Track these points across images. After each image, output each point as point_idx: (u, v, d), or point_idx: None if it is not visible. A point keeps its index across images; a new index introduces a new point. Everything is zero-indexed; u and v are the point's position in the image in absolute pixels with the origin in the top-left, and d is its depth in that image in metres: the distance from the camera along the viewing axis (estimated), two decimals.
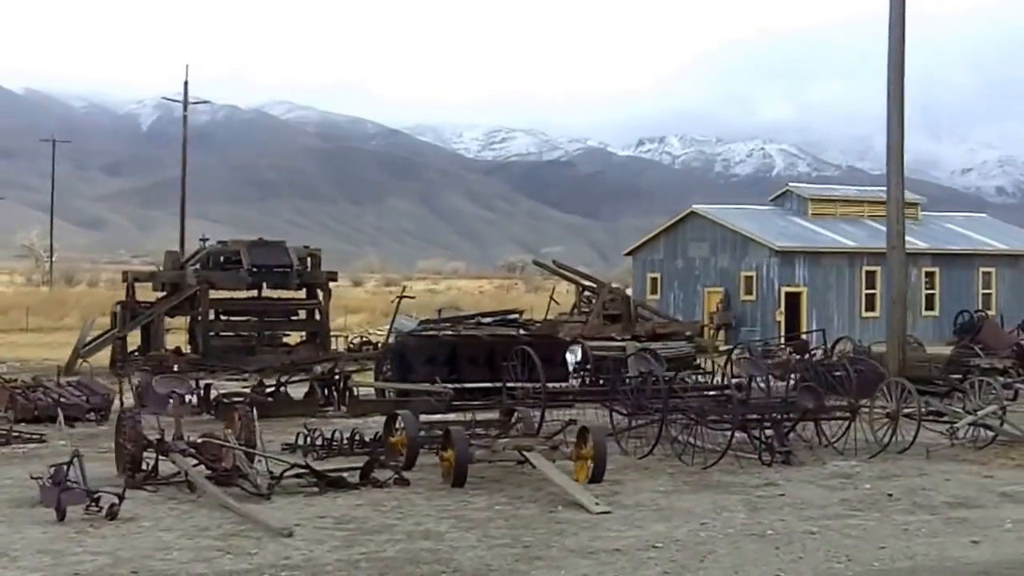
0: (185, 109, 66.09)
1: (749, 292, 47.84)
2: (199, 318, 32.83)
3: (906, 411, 18.08)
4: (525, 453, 14.71)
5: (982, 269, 51.30)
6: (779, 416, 17.21)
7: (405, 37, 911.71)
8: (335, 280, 35.60)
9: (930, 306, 50.01)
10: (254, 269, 32.85)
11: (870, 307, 48.55)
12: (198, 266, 33.21)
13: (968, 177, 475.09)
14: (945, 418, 18.67)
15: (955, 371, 27.39)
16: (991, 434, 18.25)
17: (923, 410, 19.05)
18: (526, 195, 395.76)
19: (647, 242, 53.05)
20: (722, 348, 38.48)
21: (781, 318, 46.63)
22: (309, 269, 34.14)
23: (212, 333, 33.28)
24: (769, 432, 17.09)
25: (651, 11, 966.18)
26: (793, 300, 47.17)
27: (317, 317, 34.50)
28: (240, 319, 34.03)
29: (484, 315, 57.82)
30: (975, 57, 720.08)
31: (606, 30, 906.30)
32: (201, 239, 34.97)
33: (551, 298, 30.38)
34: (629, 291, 47.68)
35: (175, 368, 30.04)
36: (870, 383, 26.97)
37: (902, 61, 23.31)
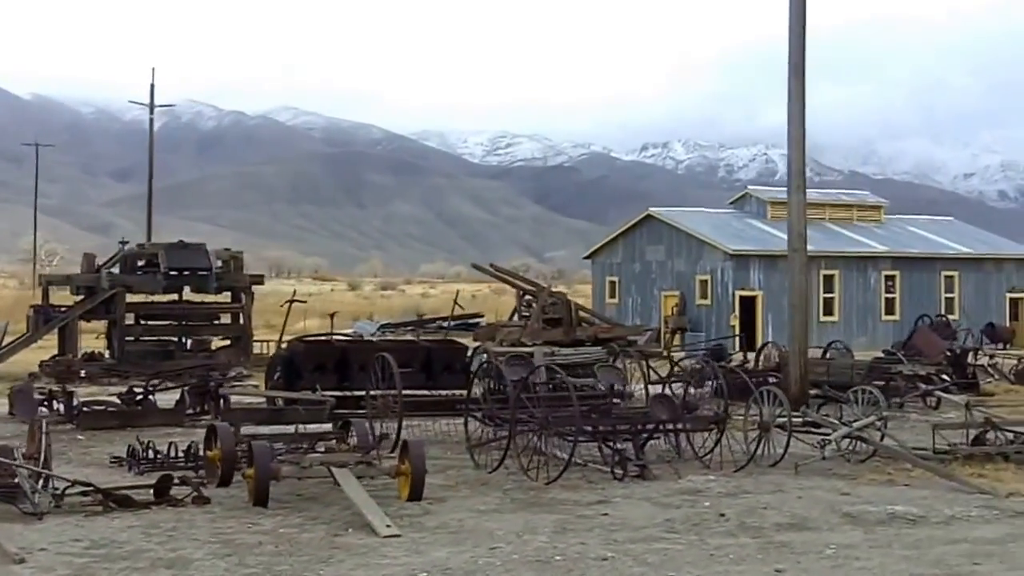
0: (151, 112, 64.60)
1: (704, 296, 46.65)
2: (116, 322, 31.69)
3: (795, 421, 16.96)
4: (333, 469, 13.54)
5: (944, 273, 50.00)
6: (638, 427, 16.06)
7: (411, 43, 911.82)
8: (260, 283, 34.44)
9: (890, 310, 48.75)
10: (171, 272, 31.70)
11: (828, 311, 47.31)
12: (116, 269, 32.07)
13: (970, 182, 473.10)
14: (823, 429, 17.46)
15: (877, 378, 26.21)
16: (871, 447, 17.04)
17: (803, 420, 17.95)
18: (531, 200, 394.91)
19: (605, 245, 51.88)
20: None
21: (736, 322, 45.39)
22: (231, 272, 32.93)
23: (131, 338, 32.13)
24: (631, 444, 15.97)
25: (655, 17, 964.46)
26: (748, 304, 45.93)
27: (242, 321, 33.32)
28: (159, 323, 32.88)
29: (445, 319, 56.92)
30: (978, 61, 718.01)
31: (610, 36, 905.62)
32: (120, 241, 33.86)
33: (455, 302, 29.10)
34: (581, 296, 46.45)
35: (82, 374, 29.05)
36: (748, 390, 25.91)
37: (802, 62, 22.11)
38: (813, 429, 17.48)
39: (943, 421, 18.84)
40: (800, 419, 17.68)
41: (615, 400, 17.85)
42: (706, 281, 46.57)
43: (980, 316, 49.96)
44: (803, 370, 21.88)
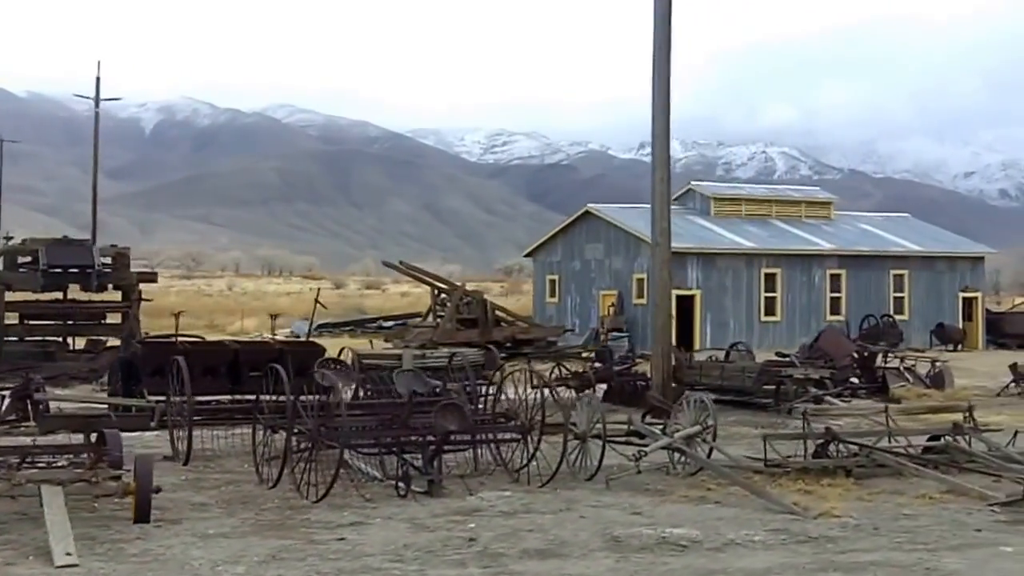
0: (97, 106, 63.11)
1: (641, 295, 45.17)
2: None
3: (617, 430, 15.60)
4: (43, 488, 12.14)
5: (893, 271, 48.49)
6: (424, 439, 14.65)
7: (408, 41, 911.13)
8: (153, 280, 33.05)
9: (836, 310, 47.25)
10: (51, 269, 30.29)
11: (770, 311, 45.86)
12: None
13: (971, 180, 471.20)
14: (646, 440, 16.05)
15: (768, 382, 24.82)
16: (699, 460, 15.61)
17: (629, 429, 16.56)
18: (527, 198, 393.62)
19: (545, 243, 50.46)
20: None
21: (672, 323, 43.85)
22: (117, 270, 31.49)
23: (14, 338, 30.73)
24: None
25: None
26: (686, 304, 44.44)
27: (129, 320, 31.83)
28: (42, 323, 31.46)
29: (387, 318, 55.55)
30: (979, 60, 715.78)
31: (608, 34, 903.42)
32: (4, 237, 32.45)
33: (316, 301, 27.65)
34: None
35: None
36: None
37: (667, 57, 20.62)
38: (636, 439, 16.07)
39: (774, 432, 17.35)
40: (626, 428, 16.30)
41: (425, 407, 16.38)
42: (643, 280, 45.11)
43: (931, 316, 48.56)
44: (667, 374, 20.41)
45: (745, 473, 14.75)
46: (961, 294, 49.74)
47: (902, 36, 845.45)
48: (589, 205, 49.03)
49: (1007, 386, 28.60)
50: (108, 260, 31.56)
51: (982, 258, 51.17)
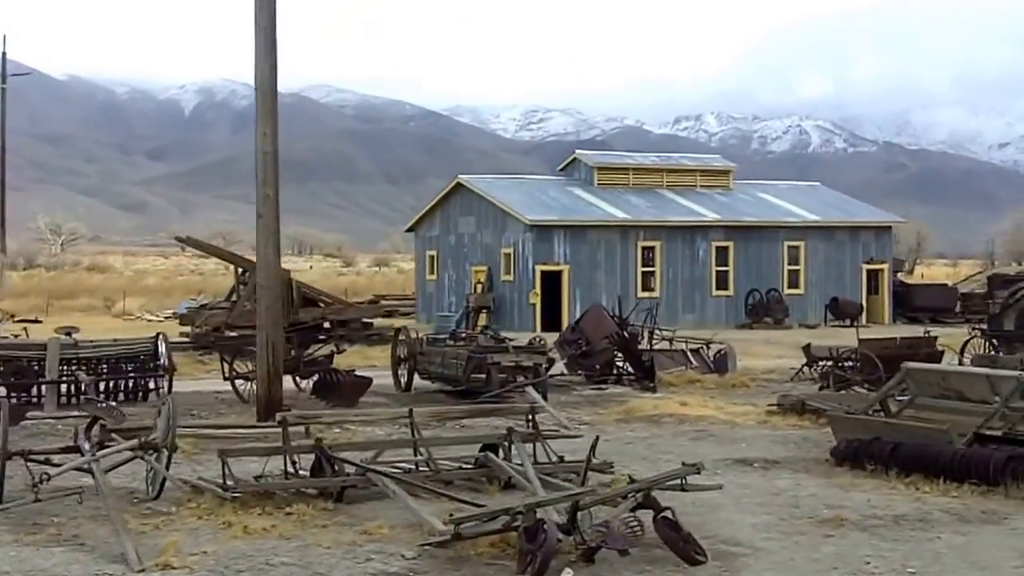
0: (4, 81, 60.13)
1: (508, 271, 41.67)
2: None
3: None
4: None
5: (788, 243, 44.57)
6: None
7: (443, 20, 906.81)
8: None
9: (723, 285, 43.50)
10: None
11: (648, 286, 42.18)
12: None
13: (1005, 151, 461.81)
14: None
15: (476, 369, 21.32)
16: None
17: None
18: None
19: (424, 217, 46.96)
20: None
21: (536, 300, 40.41)
22: None
23: None
24: None
25: None
26: (553, 279, 40.86)
27: None
28: None
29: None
30: (1013, 32, 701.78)
31: (643, 9, 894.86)
32: None
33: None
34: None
35: None
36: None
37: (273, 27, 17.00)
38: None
39: (234, 447, 13.68)
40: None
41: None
42: (509, 254, 41.59)
43: (831, 290, 44.72)
44: (272, 368, 16.92)
45: (121, 505, 11.31)
46: (865, 266, 45.76)
47: (936, 7, 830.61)
48: (461, 176, 45.48)
49: (800, 369, 25.00)
50: None
51: (889, 227, 47.13)
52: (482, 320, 41.78)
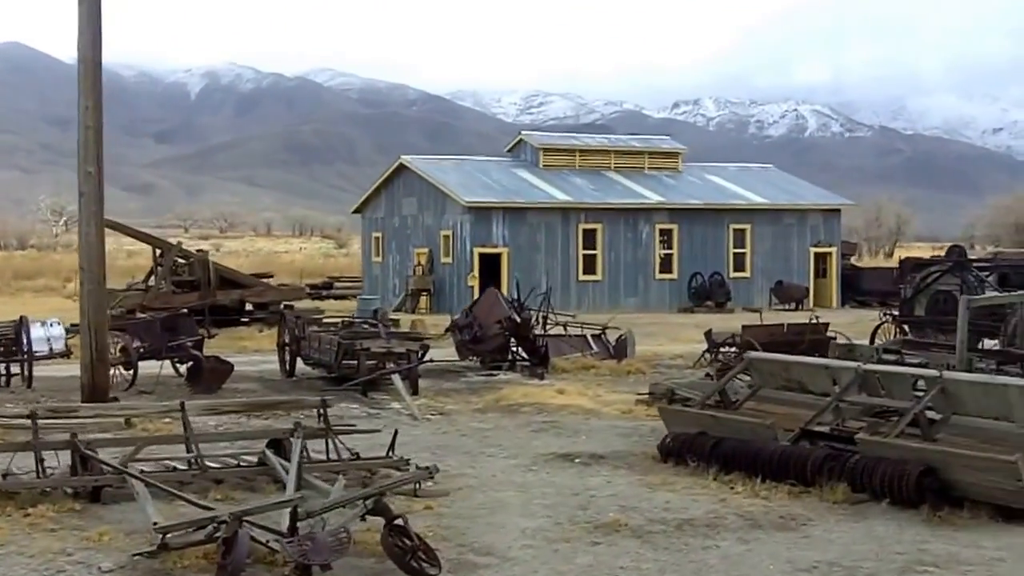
0: None
1: (448, 254, 40.54)
2: None
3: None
4: None
5: (733, 226, 43.38)
6: None
7: (445, 5, 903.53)
8: None
9: (667, 268, 42.35)
10: None
11: (590, 270, 41.04)
12: None
13: (999, 136, 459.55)
14: None
15: (347, 356, 20.15)
16: None
17: None
18: None
19: (370, 198, 45.84)
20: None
21: (475, 283, 39.26)
22: None
23: None
24: None
25: None
26: (492, 262, 39.73)
27: None
28: None
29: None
30: (1007, 18, 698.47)
31: None
32: None
33: None
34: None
35: None
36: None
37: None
38: None
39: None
40: None
41: None
42: (448, 236, 40.46)
43: (778, 273, 43.57)
44: (96, 354, 15.83)
45: None
46: (813, 249, 44.57)
47: None
48: (403, 157, 44.35)
49: (702, 355, 23.86)
50: None
51: (837, 211, 45.88)
52: (423, 304, 40.76)
